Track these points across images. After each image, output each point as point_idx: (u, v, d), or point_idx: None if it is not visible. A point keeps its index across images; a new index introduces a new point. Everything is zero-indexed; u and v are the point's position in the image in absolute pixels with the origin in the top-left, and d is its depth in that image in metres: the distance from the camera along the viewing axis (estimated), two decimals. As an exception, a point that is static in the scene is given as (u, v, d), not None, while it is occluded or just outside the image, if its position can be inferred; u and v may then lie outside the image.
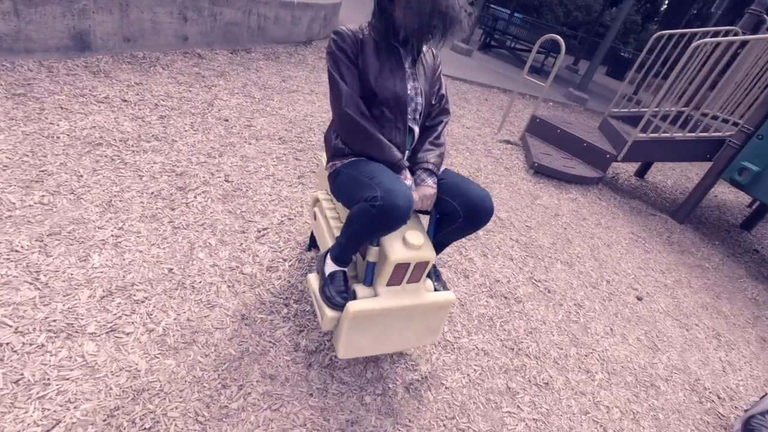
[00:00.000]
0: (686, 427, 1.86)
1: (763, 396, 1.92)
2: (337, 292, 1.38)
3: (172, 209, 1.99)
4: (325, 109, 3.66)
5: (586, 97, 8.11)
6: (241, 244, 1.96)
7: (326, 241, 1.63)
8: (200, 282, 1.70)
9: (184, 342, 1.46)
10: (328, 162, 1.54)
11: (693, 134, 3.83)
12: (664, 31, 4.23)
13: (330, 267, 1.44)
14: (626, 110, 4.71)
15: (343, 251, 1.41)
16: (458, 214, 1.39)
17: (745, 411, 1.90)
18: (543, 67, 10.10)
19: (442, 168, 1.53)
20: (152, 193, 2.04)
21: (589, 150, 4.19)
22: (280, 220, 2.19)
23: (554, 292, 2.40)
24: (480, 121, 4.99)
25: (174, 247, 1.80)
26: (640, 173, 5.04)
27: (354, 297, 1.39)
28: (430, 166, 1.46)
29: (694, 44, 3.45)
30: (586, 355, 2.04)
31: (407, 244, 1.37)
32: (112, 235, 1.73)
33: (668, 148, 3.93)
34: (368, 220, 1.24)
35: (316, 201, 1.80)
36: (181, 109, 2.83)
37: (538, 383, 1.81)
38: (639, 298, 2.61)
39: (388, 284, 1.40)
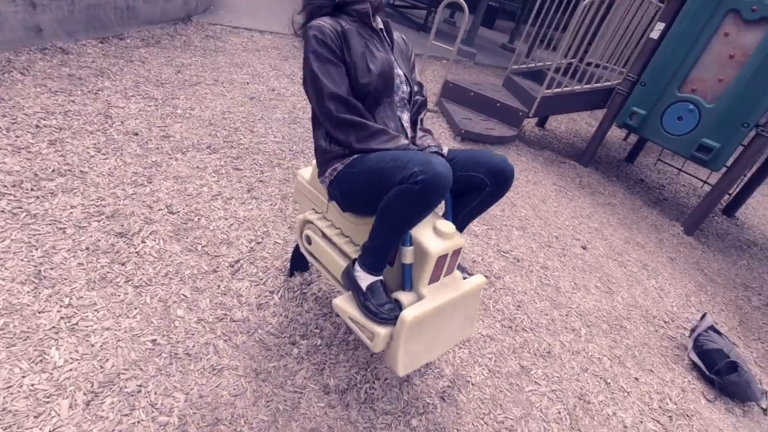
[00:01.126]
0: (655, 356, 2.17)
1: (703, 315, 2.31)
2: (384, 305, 1.26)
3: (122, 264, 1.65)
4: (240, 102, 3.28)
5: (474, 51, 8.46)
6: (219, 286, 1.71)
7: (336, 263, 1.49)
8: (193, 346, 1.46)
9: (208, 424, 1.26)
10: (323, 169, 1.39)
11: (589, 86, 4.24)
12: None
13: (365, 280, 1.30)
14: (525, 66, 5.01)
15: (378, 255, 1.28)
16: (485, 183, 1.34)
17: (692, 331, 2.28)
18: (427, 23, 10.20)
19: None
20: (88, 248, 1.66)
21: (503, 109, 4.42)
22: (248, 247, 1.95)
23: (522, 260, 2.56)
24: (393, 91, 4.92)
25: (145, 311, 1.51)
26: (541, 123, 5.50)
27: (400, 306, 1.31)
28: (436, 148, 1.40)
29: (584, 3, 3.74)
30: (566, 315, 2.24)
31: (440, 233, 1.31)
32: (62, 318, 1.39)
33: (570, 100, 4.32)
34: (412, 201, 1.13)
35: (306, 223, 1.63)
36: (73, 127, 2.30)
37: (542, 354, 1.94)
38: (584, 248, 2.92)
39: (430, 282, 1.34)
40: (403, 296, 1.30)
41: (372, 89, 1.31)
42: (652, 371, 2.06)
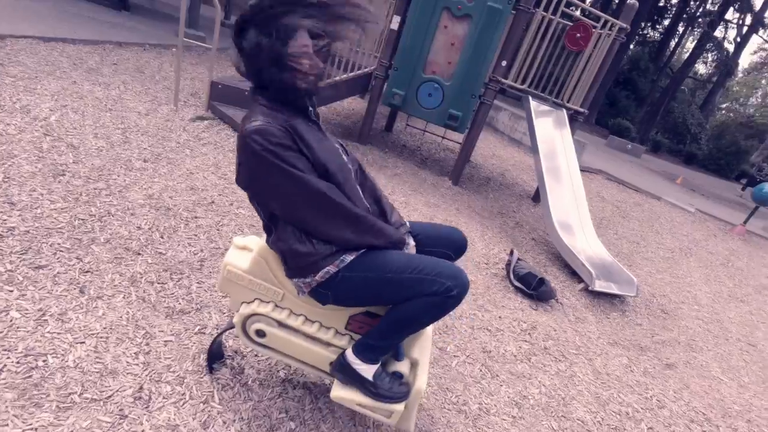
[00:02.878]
0: (497, 294, 2.86)
1: (511, 251, 3.13)
2: (393, 385, 1.33)
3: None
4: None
5: (203, 34, 7.77)
6: (141, 431, 1.32)
7: (310, 352, 1.42)
8: None
9: None
10: (305, 272, 1.27)
11: (353, 73, 4.66)
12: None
13: (368, 371, 1.32)
14: (283, 56, 5.03)
15: (386, 351, 1.33)
16: (451, 257, 1.50)
17: (507, 265, 3.08)
18: (127, 1, 8.58)
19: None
20: None
21: (283, 105, 4.40)
22: (139, 364, 1.52)
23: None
24: (148, 100, 4.16)
25: None
26: (309, 109, 5.71)
27: (401, 377, 1.38)
28: (409, 228, 1.47)
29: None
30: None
31: None
32: None
33: (341, 88, 4.66)
34: (443, 311, 1.23)
35: (251, 317, 1.41)
36: None
37: (444, 330, 2.30)
38: (412, 223, 3.40)
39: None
40: (401, 366, 1.40)
41: (338, 179, 1.26)
42: (503, 306, 2.74)
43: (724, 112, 37.70)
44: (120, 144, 3.05)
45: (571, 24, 4.61)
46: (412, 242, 1.43)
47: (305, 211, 1.22)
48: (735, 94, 38.18)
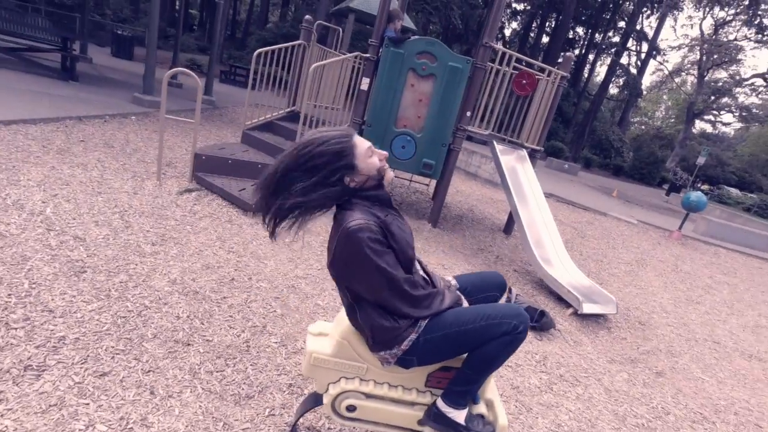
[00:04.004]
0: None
1: (509, 289, 3.42)
2: (481, 425, 1.50)
3: None
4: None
5: (157, 99, 7.75)
6: None
7: (400, 414, 1.57)
8: None
9: None
10: (390, 344, 1.44)
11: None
12: (262, 49, 4.84)
13: (460, 416, 1.47)
14: (257, 120, 5.22)
15: (473, 393, 1.50)
16: (496, 297, 1.74)
17: (507, 301, 3.36)
18: (71, 69, 8.39)
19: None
20: None
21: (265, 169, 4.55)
22: (230, 456, 1.60)
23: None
24: (129, 177, 4.16)
25: None
26: (283, 166, 5.88)
27: (483, 417, 1.56)
28: (455, 284, 1.68)
29: (312, 66, 4.31)
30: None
31: None
32: None
33: (319, 148, 4.89)
34: (515, 347, 1.42)
35: (341, 395, 1.55)
36: None
37: (474, 373, 2.51)
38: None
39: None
40: (480, 408, 1.58)
41: (411, 260, 1.46)
42: (514, 341, 3.00)
43: (636, 125, 42.04)
44: (123, 230, 3.06)
45: (517, 72, 5.21)
46: (465, 301, 1.62)
47: (388, 298, 1.40)
48: (643, 109, 42.82)
